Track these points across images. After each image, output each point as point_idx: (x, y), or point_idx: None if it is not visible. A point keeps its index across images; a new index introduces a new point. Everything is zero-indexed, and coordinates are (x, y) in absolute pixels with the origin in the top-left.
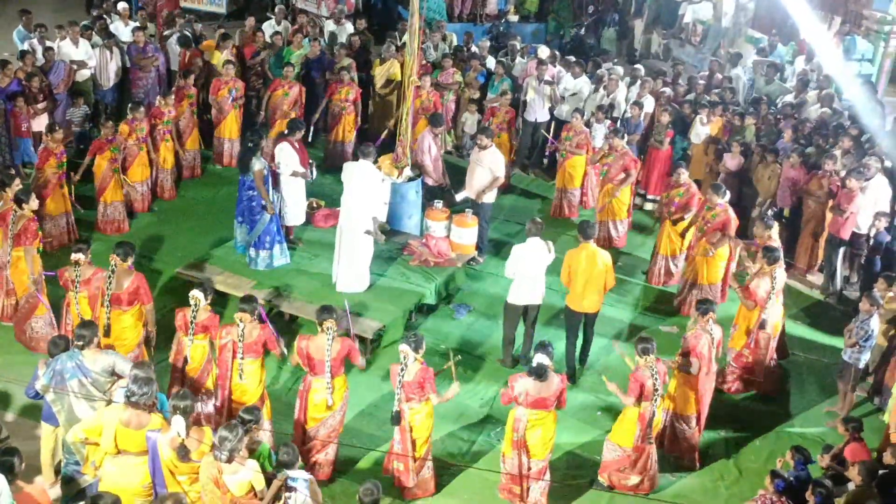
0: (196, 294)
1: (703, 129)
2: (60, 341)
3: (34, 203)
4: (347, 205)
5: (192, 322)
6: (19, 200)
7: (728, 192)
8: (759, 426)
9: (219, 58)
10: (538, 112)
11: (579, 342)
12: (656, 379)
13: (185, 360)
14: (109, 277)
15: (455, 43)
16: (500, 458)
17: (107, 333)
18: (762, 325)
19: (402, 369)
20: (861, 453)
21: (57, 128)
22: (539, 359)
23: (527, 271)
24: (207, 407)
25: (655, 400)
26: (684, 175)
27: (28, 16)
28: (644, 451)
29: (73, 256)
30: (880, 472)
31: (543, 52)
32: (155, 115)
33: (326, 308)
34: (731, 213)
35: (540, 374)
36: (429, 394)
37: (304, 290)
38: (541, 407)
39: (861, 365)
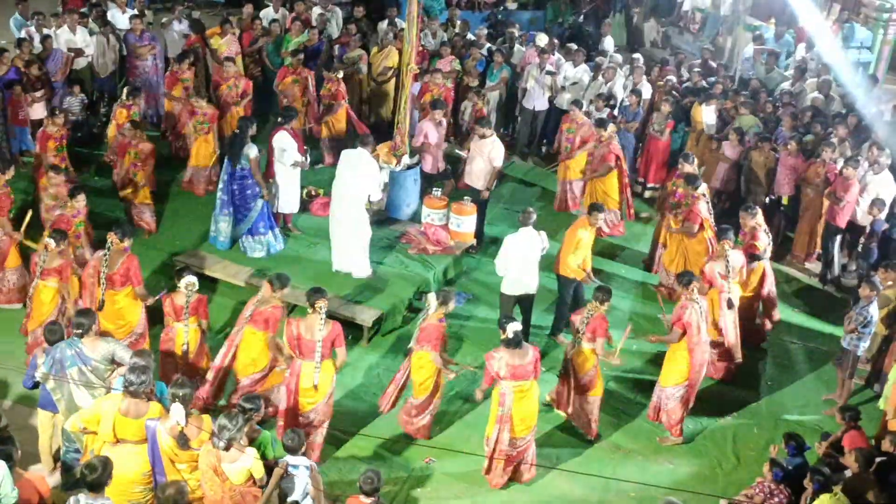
0: (193, 280)
1: (713, 118)
2: (56, 328)
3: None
4: (339, 192)
5: (186, 307)
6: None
7: (703, 183)
8: (757, 414)
9: (219, 42)
10: (537, 100)
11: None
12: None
13: (185, 348)
14: (104, 256)
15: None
16: (484, 442)
17: (100, 308)
18: (729, 305)
19: (424, 314)
20: (859, 441)
21: (57, 112)
22: (514, 327)
23: (520, 261)
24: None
25: None
26: (688, 166)
27: (24, 3)
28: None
29: (45, 241)
30: (877, 459)
31: (542, 39)
32: (191, 112)
33: (317, 289)
34: (701, 206)
35: (517, 342)
36: (430, 348)
37: (303, 278)
38: (522, 377)
39: (860, 352)
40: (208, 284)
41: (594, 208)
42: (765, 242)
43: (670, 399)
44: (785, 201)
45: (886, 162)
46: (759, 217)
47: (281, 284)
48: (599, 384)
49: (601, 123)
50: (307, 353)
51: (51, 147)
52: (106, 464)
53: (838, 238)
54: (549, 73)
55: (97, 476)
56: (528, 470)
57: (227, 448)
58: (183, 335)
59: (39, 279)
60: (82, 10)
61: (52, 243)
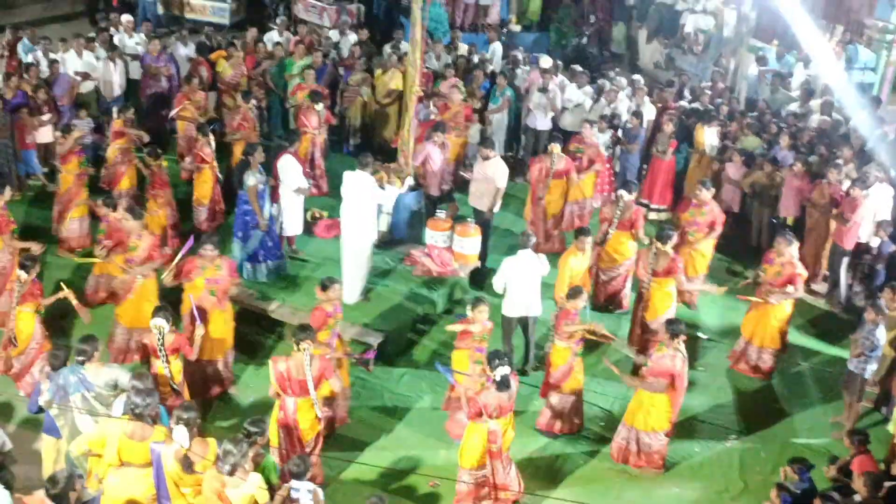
0: (159, 323)
1: (715, 139)
2: (60, 353)
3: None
4: (347, 215)
5: (160, 348)
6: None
7: (713, 187)
8: (764, 437)
9: (224, 65)
10: (539, 120)
11: None
12: None
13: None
14: None
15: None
16: (464, 474)
17: None
18: None
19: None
20: (868, 465)
21: (72, 126)
22: (502, 371)
23: (519, 284)
24: None
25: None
26: (706, 193)
27: (32, 29)
28: None
29: (17, 272)
30: (886, 483)
31: (545, 61)
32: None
33: (304, 327)
34: (718, 209)
35: (506, 384)
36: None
37: (306, 302)
38: (506, 413)
39: (867, 375)
40: None
41: (580, 232)
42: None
43: (654, 441)
44: (789, 222)
45: (877, 175)
46: (795, 247)
47: (326, 286)
48: (575, 379)
49: (591, 124)
50: (298, 392)
51: (74, 163)
52: (69, 478)
53: (845, 259)
54: (540, 90)
55: (60, 489)
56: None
57: (231, 473)
58: (163, 370)
59: (17, 306)
60: (90, 34)
61: (23, 274)
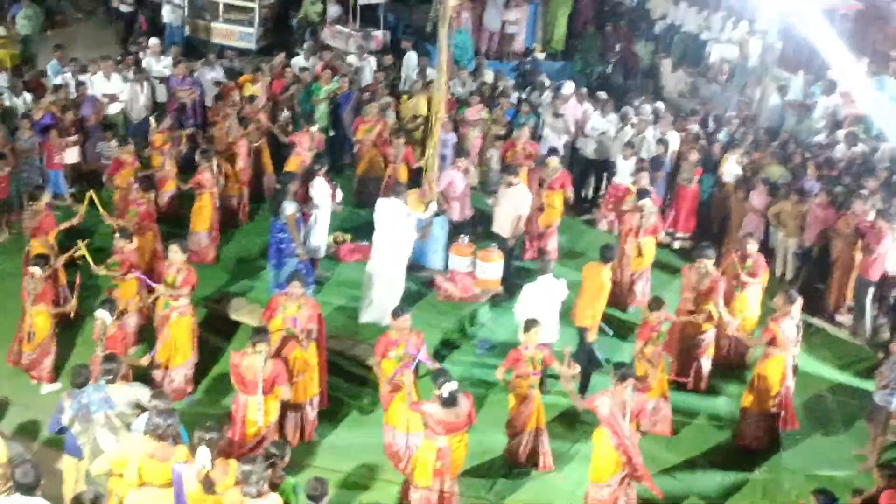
0: (101, 315)
1: (737, 168)
2: (83, 371)
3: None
4: (380, 243)
5: (101, 339)
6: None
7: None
8: (788, 468)
9: (251, 89)
10: (554, 143)
11: None
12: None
13: None
14: None
15: (490, 80)
16: (409, 490)
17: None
18: None
19: None
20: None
21: (129, 140)
22: (449, 387)
23: (539, 309)
24: None
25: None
26: (753, 245)
27: (62, 50)
28: None
29: (30, 269)
30: None
31: (568, 88)
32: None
33: (261, 330)
34: (763, 259)
35: (452, 401)
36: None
37: (330, 325)
38: (457, 430)
39: (892, 407)
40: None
41: (607, 249)
42: (792, 333)
43: (592, 496)
44: (814, 253)
45: None
46: (797, 307)
47: (397, 314)
48: (657, 387)
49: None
50: (250, 391)
51: (125, 174)
52: (95, 498)
53: (870, 291)
54: (555, 114)
55: None
56: None
57: (258, 495)
58: None
59: (32, 306)
60: (118, 57)
61: (37, 271)
